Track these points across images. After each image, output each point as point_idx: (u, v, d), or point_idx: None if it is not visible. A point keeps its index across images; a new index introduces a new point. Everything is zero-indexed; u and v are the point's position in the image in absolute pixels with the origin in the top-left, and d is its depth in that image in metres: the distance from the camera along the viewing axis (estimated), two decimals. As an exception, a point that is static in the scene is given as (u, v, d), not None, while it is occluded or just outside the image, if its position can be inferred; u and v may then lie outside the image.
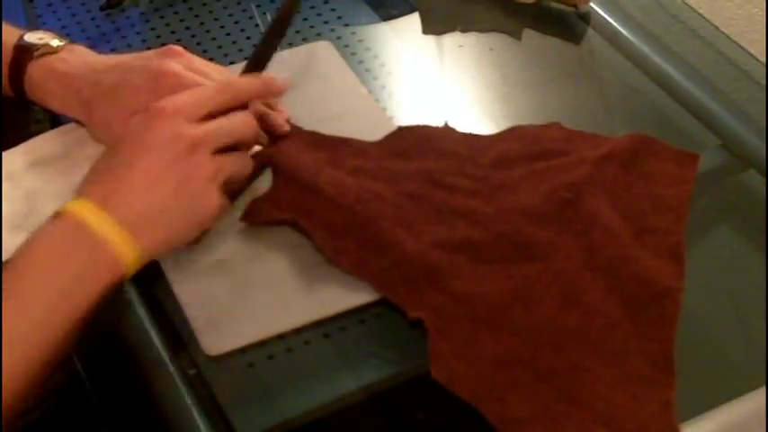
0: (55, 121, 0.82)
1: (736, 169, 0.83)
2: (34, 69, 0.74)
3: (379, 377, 0.65)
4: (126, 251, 0.61)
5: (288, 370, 0.65)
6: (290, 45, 0.89)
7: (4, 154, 0.75)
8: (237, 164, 0.69)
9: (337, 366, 0.65)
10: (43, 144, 0.76)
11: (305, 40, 0.90)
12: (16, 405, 0.57)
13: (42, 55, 0.74)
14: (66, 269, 0.60)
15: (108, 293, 0.61)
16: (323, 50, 0.88)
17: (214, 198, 0.66)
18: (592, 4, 0.94)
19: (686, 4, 0.96)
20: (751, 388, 0.62)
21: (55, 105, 0.76)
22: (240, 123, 0.69)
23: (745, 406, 0.59)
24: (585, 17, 0.94)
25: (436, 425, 0.79)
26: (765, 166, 0.81)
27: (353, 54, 0.89)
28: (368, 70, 0.87)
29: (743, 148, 0.83)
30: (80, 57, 0.75)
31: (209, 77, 0.72)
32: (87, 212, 0.61)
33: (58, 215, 0.61)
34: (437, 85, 0.87)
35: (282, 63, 0.86)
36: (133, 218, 0.62)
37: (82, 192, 0.63)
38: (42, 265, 0.60)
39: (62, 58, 0.75)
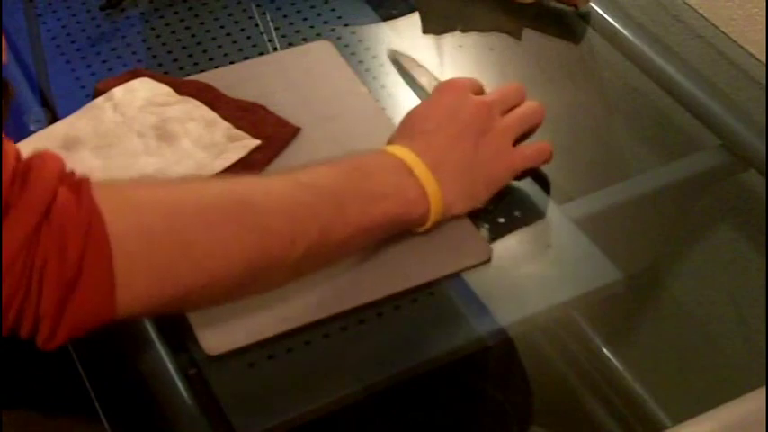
0: (55, 120, 0.82)
1: (736, 169, 0.83)
2: None
3: (379, 377, 0.65)
4: (433, 195, 0.67)
5: (288, 370, 0.65)
6: (290, 45, 0.89)
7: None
8: (532, 150, 0.74)
9: (337, 366, 0.65)
10: (43, 141, 0.77)
11: (305, 40, 0.90)
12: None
13: None
14: (388, 186, 0.65)
15: (400, 228, 0.68)
16: (323, 50, 0.88)
17: (511, 158, 0.72)
18: (592, 4, 0.94)
19: (686, 4, 0.96)
20: (751, 388, 0.62)
21: None
22: (533, 111, 0.75)
23: (745, 406, 0.59)
24: (585, 17, 0.94)
25: (436, 425, 0.79)
26: (765, 166, 0.81)
27: (353, 54, 0.89)
28: (368, 70, 0.87)
29: (743, 148, 0.83)
30: None
31: None
32: (408, 157, 0.67)
33: (381, 152, 0.68)
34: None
35: (282, 63, 0.86)
36: (442, 173, 0.67)
37: (399, 142, 0.69)
38: (377, 171, 0.66)
39: None
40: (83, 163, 0.74)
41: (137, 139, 0.76)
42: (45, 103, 0.84)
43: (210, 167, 0.74)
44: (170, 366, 0.64)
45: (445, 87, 0.73)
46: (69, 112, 0.83)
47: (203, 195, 0.58)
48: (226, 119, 0.78)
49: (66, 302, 0.51)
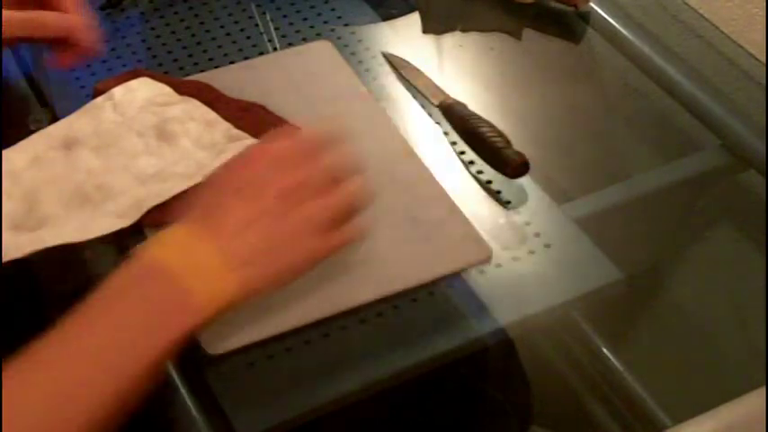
0: (55, 120, 0.82)
1: (736, 169, 0.83)
2: None
3: (379, 377, 0.65)
4: (213, 288, 0.58)
5: (288, 370, 0.65)
6: (290, 45, 0.89)
7: (5, 152, 0.75)
8: (343, 198, 0.64)
9: (337, 366, 0.65)
10: (43, 141, 0.77)
11: (305, 40, 0.90)
12: None
13: None
14: (141, 314, 0.56)
15: (187, 337, 0.57)
16: (323, 50, 0.88)
17: (316, 244, 0.62)
18: (592, 4, 0.94)
19: (686, 4, 0.96)
20: (751, 388, 0.62)
21: None
22: (348, 197, 0.64)
23: (745, 406, 0.59)
24: (585, 17, 0.94)
25: (436, 425, 0.79)
26: (765, 166, 0.81)
27: (353, 54, 0.89)
28: (368, 70, 0.87)
29: (743, 148, 0.83)
30: None
31: None
32: (170, 253, 0.58)
33: (136, 258, 0.58)
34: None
35: (282, 63, 0.86)
36: (233, 259, 0.58)
37: (186, 224, 0.60)
38: (114, 311, 0.56)
39: None
40: (83, 163, 0.74)
41: (136, 139, 0.76)
42: (45, 103, 0.84)
43: (210, 167, 0.74)
44: (170, 366, 0.64)
45: (255, 154, 0.64)
46: (69, 112, 0.83)
47: None
48: (226, 119, 0.78)
49: None
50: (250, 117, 0.79)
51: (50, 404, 0.52)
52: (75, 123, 0.78)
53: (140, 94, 0.79)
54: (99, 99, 0.79)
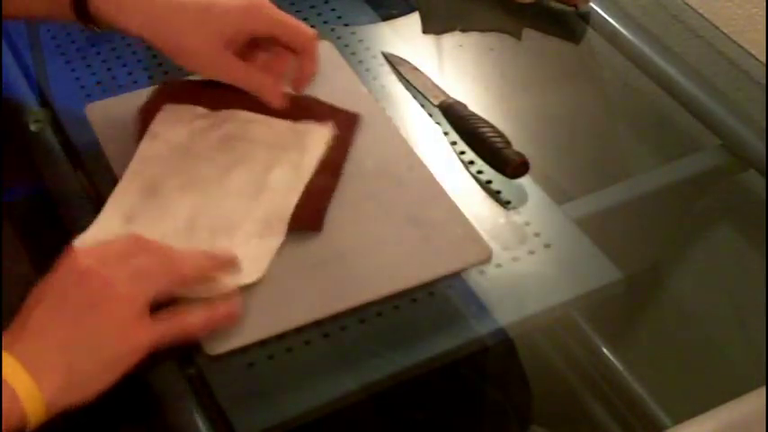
0: (55, 120, 0.82)
1: (736, 169, 0.83)
2: None
3: (379, 377, 0.65)
4: (28, 397, 0.54)
5: (288, 370, 0.65)
6: (290, 45, 0.89)
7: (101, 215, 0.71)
8: (159, 281, 0.61)
9: (337, 366, 0.65)
10: (127, 198, 0.72)
11: (305, 39, 0.90)
12: None
13: None
14: None
15: None
16: (324, 50, 0.88)
17: (137, 332, 0.59)
18: (592, 4, 0.94)
19: (686, 4, 0.96)
20: (751, 388, 0.62)
21: (126, 24, 0.72)
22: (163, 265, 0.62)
23: (745, 406, 0.59)
24: (585, 17, 0.94)
25: (436, 425, 0.79)
26: (765, 166, 0.81)
27: (353, 54, 0.89)
28: (368, 70, 0.87)
29: (743, 148, 0.83)
30: None
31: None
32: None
33: None
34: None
35: None
36: (33, 359, 0.55)
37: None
38: None
39: None
40: (177, 203, 0.71)
41: (208, 165, 0.74)
42: (45, 103, 0.84)
43: (303, 167, 0.74)
44: (170, 366, 0.64)
45: (61, 264, 0.60)
46: (69, 111, 0.83)
47: None
48: (277, 115, 0.77)
49: None
50: (302, 111, 0.79)
51: None
52: (140, 172, 0.74)
53: (181, 126, 0.77)
54: (144, 144, 0.76)
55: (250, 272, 0.67)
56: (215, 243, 0.69)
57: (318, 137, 0.77)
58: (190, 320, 0.62)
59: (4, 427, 0.53)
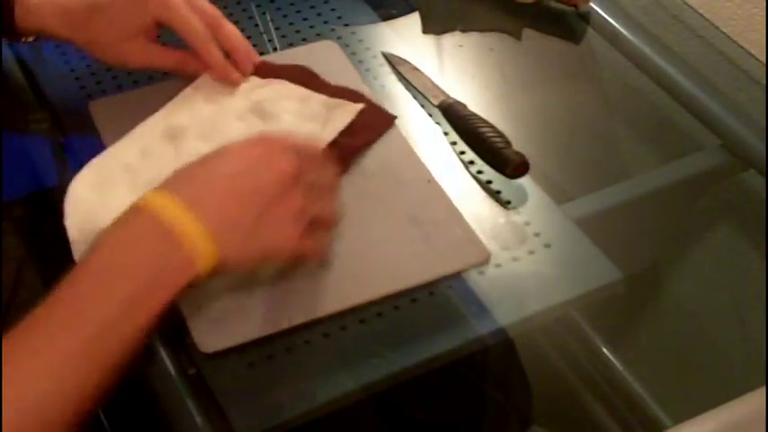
0: (55, 120, 0.82)
1: (736, 169, 0.83)
2: None
3: (379, 377, 0.65)
4: (204, 253, 0.59)
5: (288, 370, 0.65)
6: (291, 45, 0.89)
7: (111, 148, 0.75)
8: (325, 209, 0.67)
9: (337, 366, 0.65)
10: (145, 134, 0.76)
11: (305, 40, 0.90)
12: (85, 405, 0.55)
13: None
14: (143, 268, 0.58)
15: (181, 295, 0.59)
16: (327, 50, 0.88)
17: (294, 235, 0.64)
18: (592, 4, 0.94)
19: (686, 4, 0.96)
20: (751, 388, 0.62)
21: (49, 29, 0.77)
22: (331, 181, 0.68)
23: (745, 406, 0.59)
24: (585, 17, 0.94)
25: (436, 425, 0.79)
26: (765, 166, 0.81)
27: (353, 54, 0.89)
28: (368, 70, 0.87)
29: (743, 148, 0.83)
30: None
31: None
32: (172, 208, 0.59)
33: (137, 209, 0.59)
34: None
35: (286, 62, 0.86)
36: (216, 225, 0.60)
37: (167, 190, 0.61)
38: (118, 264, 0.57)
39: None
40: (192, 150, 0.73)
41: (238, 123, 0.77)
42: (45, 103, 0.84)
43: (323, 137, 0.75)
44: (169, 366, 0.64)
45: (257, 141, 0.65)
46: (69, 112, 0.83)
47: None
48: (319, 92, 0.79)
49: None
50: (342, 93, 0.80)
51: (58, 367, 0.53)
52: (170, 114, 0.78)
53: (224, 85, 0.80)
54: (187, 90, 0.80)
55: None
56: None
57: (345, 112, 0.78)
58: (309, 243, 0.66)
59: (181, 279, 0.58)
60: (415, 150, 0.79)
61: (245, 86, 0.80)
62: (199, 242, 0.58)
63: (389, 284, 0.69)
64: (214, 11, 0.78)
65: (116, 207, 0.67)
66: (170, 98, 0.79)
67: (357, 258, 0.70)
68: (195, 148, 0.74)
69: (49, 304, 0.55)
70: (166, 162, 0.73)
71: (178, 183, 0.62)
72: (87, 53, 0.79)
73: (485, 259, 0.71)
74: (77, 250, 0.68)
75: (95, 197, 0.71)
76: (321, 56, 0.87)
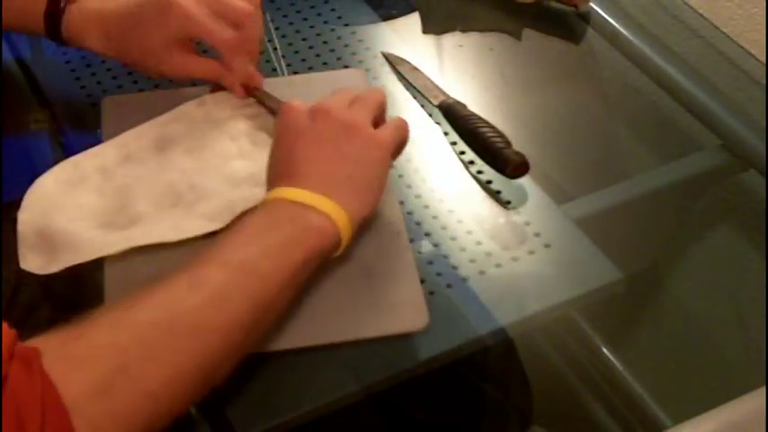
0: (55, 119, 0.82)
1: (736, 169, 0.83)
2: (73, 12, 0.78)
3: (380, 377, 0.65)
4: (334, 214, 0.64)
5: (288, 370, 0.65)
6: (290, 45, 0.89)
7: (97, 147, 0.75)
8: (400, 130, 0.71)
9: (337, 366, 0.65)
10: (135, 139, 0.77)
11: (305, 40, 0.90)
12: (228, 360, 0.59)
13: None
14: (286, 234, 0.63)
15: (326, 256, 0.65)
16: (353, 78, 0.86)
17: (385, 146, 0.69)
18: (592, 4, 0.95)
19: (686, 4, 0.96)
20: (751, 388, 0.62)
21: (91, 45, 0.80)
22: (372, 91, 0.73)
23: (745, 406, 0.59)
24: (585, 17, 0.94)
25: (436, 425, 0.79)
26: (765, 166, 0.81)
27: (354, 54, 0.89)
28: (368, 70, 0.87)
29: (743, 148, 0.83)
30: None
31: (220, 5, 0.76)
32: (293, 193, 0.65)
33: (269, 202, 0.65)
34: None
35: (310, 86, 0.84)
36: (327, 187, 0.65)
37: (277, 185, 0.66)
38: (276, 222, 0.64)
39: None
40: (176, 163, 0.74)
41: (230, 143, 0.76)
42: (45, 103, 0.84)
43: None
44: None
45: (285, 113, 0.70)
46: (69, 112, 0.83)
47: (139, 323, 0.56)
48: None
49: None
50: None
51: (214, 300, 0.59)
52: (167, 125, 0.78)
53: (231, 102, 0.79)
54: (192, 103, 0.79)
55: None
56: (177, 210, 0.71)
57: None
58: (388, 131, 0.71)
59: (327, 251, 0.65)
60: (416, 150, 0.78)
61: (250, 111, 0.79)
62: (324, 205, 0.64)
63: (318, 336, 0.66)
64: (244, 8, 0.76)
65: (73, 207, 0.68)
66: None
67: (302, 299, 0.67)
68: (178, 162, 0.74)
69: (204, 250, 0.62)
70: (144, 171, 0.73)
71: (279, 179, 0.67)
72: (126, 65, 0.81)
73: (422, 327, 0.67)
74: (24, 244, 0.68)
75: (57, 195, 0.72)
76: (346, 83, 0.84)
